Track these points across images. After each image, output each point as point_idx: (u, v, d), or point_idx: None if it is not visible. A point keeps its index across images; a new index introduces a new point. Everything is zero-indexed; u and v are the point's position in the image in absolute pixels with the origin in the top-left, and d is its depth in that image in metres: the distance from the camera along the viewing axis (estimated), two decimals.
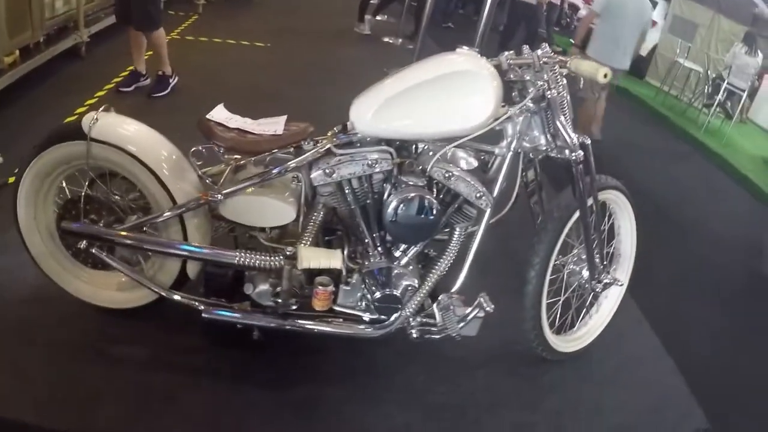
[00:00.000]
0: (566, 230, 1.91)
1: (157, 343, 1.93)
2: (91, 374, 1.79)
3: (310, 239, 1.68)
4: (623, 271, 2.22)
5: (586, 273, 2.01)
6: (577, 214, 1.91)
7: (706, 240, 3.77)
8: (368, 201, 1.72)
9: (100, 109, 1.78)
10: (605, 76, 1.61)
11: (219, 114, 1.76)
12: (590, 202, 1.89)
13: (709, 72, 6.66)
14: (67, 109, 3.41)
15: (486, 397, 1.94)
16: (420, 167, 1.71)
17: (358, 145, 1.69)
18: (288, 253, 1.63)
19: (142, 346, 1.93)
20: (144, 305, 1.97)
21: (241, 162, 1.80)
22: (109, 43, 4.65)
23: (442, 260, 1.79)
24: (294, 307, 1.74)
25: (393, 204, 1.62)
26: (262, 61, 4.97)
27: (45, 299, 2.04)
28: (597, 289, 2.01)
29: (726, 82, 6.16)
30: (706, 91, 6.46)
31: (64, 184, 1.93)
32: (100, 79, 3.97)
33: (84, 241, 1.80)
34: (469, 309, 1.79)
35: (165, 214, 1.71)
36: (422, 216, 1.63)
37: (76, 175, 1.91)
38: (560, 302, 2.04)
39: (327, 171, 1.64)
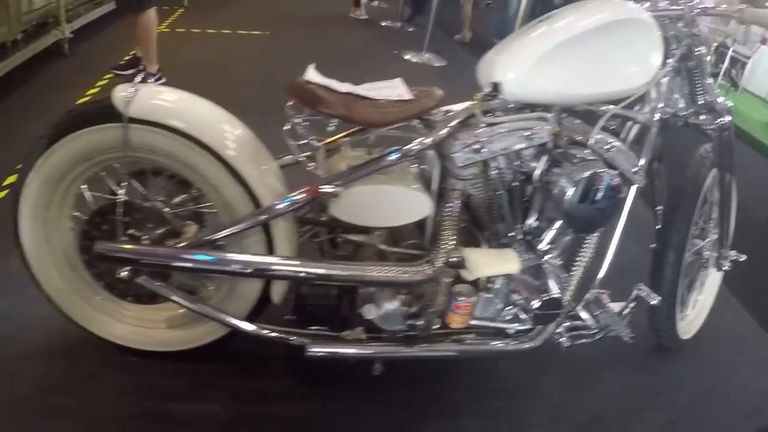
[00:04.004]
0: (699, 205, 1.51)
1: (236, 393, 1.34)
2: None
3: (453, 239, 1.14)
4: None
5: (707, 252, 1.62)
6: (705, 188, 1.52)
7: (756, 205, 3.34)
8: (515, 183, 1.21)
9: (136, 78, 1.13)
10: None
11: (315, 77, 1.16)
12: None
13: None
14: (56, 110, 2.58)
15: (626, 402, 1.54)
16: (568, 138, 1.24)
17: (499, 113, 1.17)
18: (452, 260, 1.07)
19: (215, 398, 1.32)
20: (204, 345, 1.34)
21: (330, 142, 1.24)
22: (95, 39, 3.76)
23: (584, 249, 1.33)
24: (435, 328, 1.20)
25: (573, 184, 1.13)
26: (266, 50, 4.20)
27: (65, 351, 1.39)
28: (724, 267, 1.63)
29: (731, 49, 5.46)
30: (710, 60, 6.09)
31: (84, 190, 1.25)
32: (89, 76, 3.14)
33: (127, 269, 1.15)
34: (624, 304, 1.34)
35: (258, 218, 1.10)
36: (610, 197, 1.16)
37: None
38: (684, 285, 1.64)
39: (476, 147, 1.11)
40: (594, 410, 1.48)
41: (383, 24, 5.69)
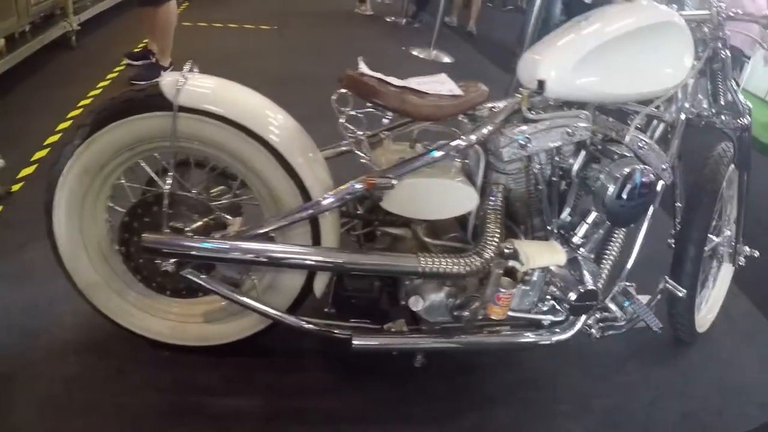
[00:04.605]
0: (718, 202, 1.59)
1: (271, 387, 1.36)
2: None
3: (498, 231, 1.18)
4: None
5: (722, 248, 1.70)
6: (723, 186, 1.60)
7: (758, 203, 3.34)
8: (553, 178, 1.26)
9: (185, 67, 1.13)
10: None
11: (367, 71, 1.18)
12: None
13: None
14: (67, 102, 2.62)
15: (646, 392, 1.61)
16: (602, 135, 1.29)
17: (538, 111, 1.22)
18: (506, 251, 1.11)
19: (251, 393, 1.33)
20: (240, 339, 1.34)
21: (371, 136, 1.26)
22: (100, 31, 3.73)
23: (613, 243, 1.39)
24: (479, 318, 1.23)
25: (614, 180, 1.19)
26: (274, 44, 4.20)
27: (93, 346, 1.38)
28: (740, 263, 1.71)
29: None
30: None
31: (123, 181, 1.24)
32: (98, 69, 3.12)
33: (173, 261, 1.14)
34: (651, 296, 1.41)
35: (312, 210, 1.11)
36: (646, 192, 1.22)
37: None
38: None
39: (522, 142, 1.15)
40: (617, 400, 1.54)
41: (388, 20, 5.74)
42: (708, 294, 1.82)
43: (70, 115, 2.49)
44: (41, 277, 1.52)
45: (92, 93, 2.79)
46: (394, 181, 1.10)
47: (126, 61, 3.11)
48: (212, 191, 1.32)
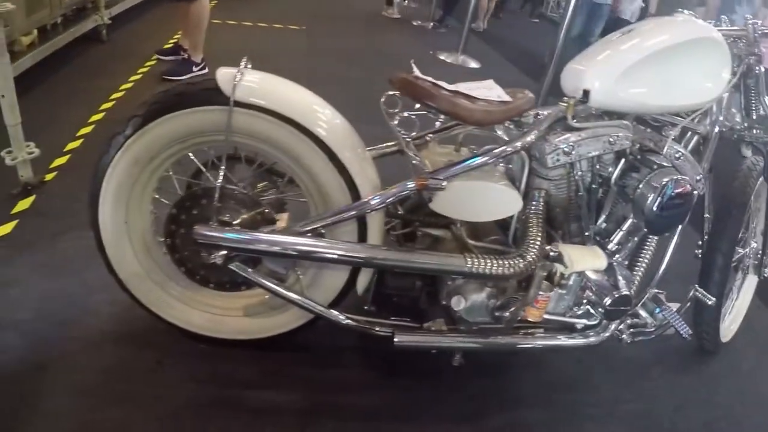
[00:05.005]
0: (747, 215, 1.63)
1: (309, 382, 1.39)
2: None
3: (540, 235, 1.21)
4: None
5: (748, 259, 1.74)
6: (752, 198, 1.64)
7: None
8: (593, 186, 1.29)
9: (242, 63, 1.15)
10: None
11: (419, 74, 1.21)
12: None
13: None
14: (99, 94, 2.69)
15: (670, 398, 1.65)
16: (640, 145, 1.33)
17: (581, 119, 1.26)
18: (552, 254, 1.14)
19: (290, 388, 1.36)
20: (280, 334, 1.37)
21: (416, 138, 1.29)
22: (130, 26, 3.84)
23: (646, 250, 1.42)
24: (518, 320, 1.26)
25: (653, 189, 1.23)
26: (304, 44, 4.29)
27: (129, 336, 1.40)
28: (765, 275, 1.75)
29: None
30: None
31: (170, 173, 1.27)
32: (129, 63, 3.19)
33: (222, 254, 1.16)
34: (681, 304, 1.44)
35: (364, 208, 1.14)
36: (684, 202, 1.26)
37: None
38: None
39: (566, 150, 1.19)
40: (642, 405, 1.58)
41: (415, 24, 5.86)
42: (732, 305, 1.86)
43: (102, 108, 2.54)
44: (76, 267, 1.54)
45: (124, 86, 2.85)
46: (444, 183, 1.13)
47: (156, 56, 3.15)
48: (257, 187, 1.35)
